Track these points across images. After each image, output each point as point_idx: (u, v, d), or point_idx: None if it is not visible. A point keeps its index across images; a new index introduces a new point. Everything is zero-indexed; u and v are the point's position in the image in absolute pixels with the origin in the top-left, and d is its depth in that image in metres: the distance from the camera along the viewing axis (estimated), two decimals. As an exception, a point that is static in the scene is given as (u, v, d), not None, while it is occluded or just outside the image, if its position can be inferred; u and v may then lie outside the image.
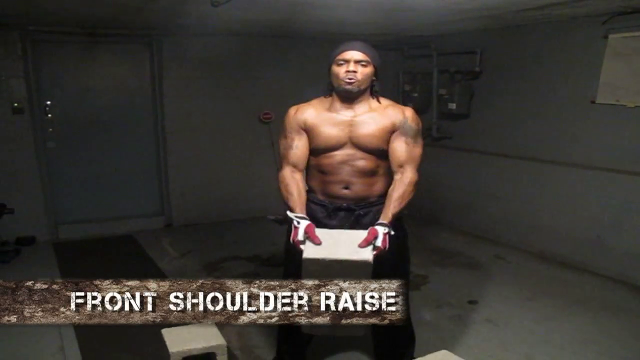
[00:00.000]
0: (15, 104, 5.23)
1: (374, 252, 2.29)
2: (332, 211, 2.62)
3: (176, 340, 2.61)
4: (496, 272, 4.76)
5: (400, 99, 6.38)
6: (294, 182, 2.58)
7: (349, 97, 2.53)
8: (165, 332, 2.70)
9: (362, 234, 2.36)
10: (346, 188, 2.59)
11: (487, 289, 4.34)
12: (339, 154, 2.56)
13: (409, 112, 2.59)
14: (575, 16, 4.51)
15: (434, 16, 4.53)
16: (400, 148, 2.54)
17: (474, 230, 5.91)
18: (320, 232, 2.38)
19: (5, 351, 3.26)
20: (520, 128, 5.34)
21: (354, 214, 2.61)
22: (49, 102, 5.55)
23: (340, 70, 2.48)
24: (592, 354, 3.29)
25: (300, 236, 2.36)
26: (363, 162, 2.56)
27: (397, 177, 2.55)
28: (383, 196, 2.60)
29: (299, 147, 2.61)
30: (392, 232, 2.40)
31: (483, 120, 5.74)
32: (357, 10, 4.19)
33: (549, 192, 5.08)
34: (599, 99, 4.55)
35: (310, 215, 2.56)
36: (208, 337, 2.65)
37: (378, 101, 2.61)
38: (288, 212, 2.49)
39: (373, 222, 2.51)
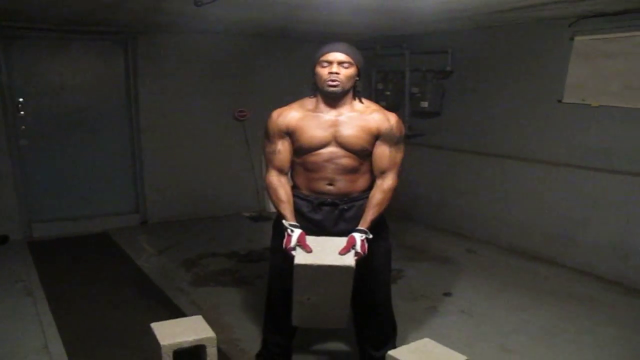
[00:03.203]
0: (-14, 102, 5.16)
1: (355, 258, 2.49)
2: (316, 206, 2.72)
3: (166, 333, 2.65)
4: (469, 265, 4.91)
5: (373, 97, 6.49)
6: (281, 187, 2.69)
7: (333, 98, 2.61)
8: (154, 326, 2.74)
9: (344, 241, 2.55)
10: (330, 184, 2.69)
11: (461, 282, 4.49)
12: (324, 153, 2.64)
13: (393, 119, 2.69)
14: (543, 18, 4.69)
15: (404, 16, 4.64)
16: (383, 155, 2.67)
17: (446, 226, 6.07)
18: (309, 240, 2.55)
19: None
20: (490, 126, 5.51)
21: (337, 208, 2.71)
22: (21, 99, 5.49)
23: (324, 72, 2.56)
24: (562, 342, 3.45)
25: (293, 244, 2.51)
26: (346, 160, 2.65)
27: (378, 182, 2.70)
28: (365, 191, 2.73)
29: (281, 152, 2.69)
30: (370, 236, 2.59)
31: (454, 118, 5.90)
32: (333, 11, 4.28)
33: (519, 188, 5.26)
34: (566, 99, 4.74)
35: (297, 210, 2.69)
36: (198, 330, 2.70)
37: (360, 101, 2.70)
38: (283, 221, 2.62)
39: (356, 216, 2.68)
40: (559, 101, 4.79)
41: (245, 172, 6.59)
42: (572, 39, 4.61)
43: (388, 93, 6.41)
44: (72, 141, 5.80)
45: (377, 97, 6.46)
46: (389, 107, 6.33)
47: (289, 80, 6.31)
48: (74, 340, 3.38)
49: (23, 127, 5.55)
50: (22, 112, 5.52)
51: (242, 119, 6.48)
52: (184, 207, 6.40)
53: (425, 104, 5.89)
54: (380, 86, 6.55)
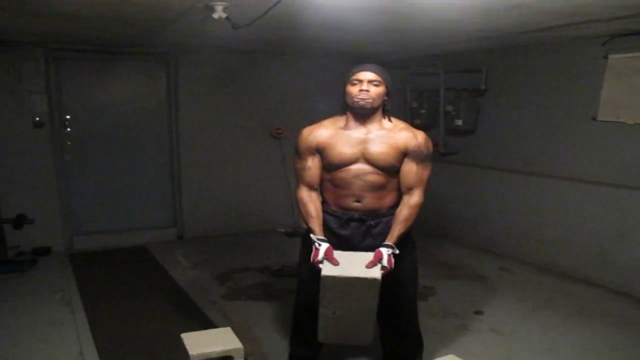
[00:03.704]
0: (37, 118, 5.41)
1: (382, 272, 2.55)
2: (344, 222, 2.78)
3: (195, 344, 2.73)
4: (501, 284, 4.86)
5: (408, 115, 6.52)
6: (311, 203, 2.77)
7: (363, 115, 2.69)
8: (184, 336, 2.83)
9: (371, 256, 2.61)
10: (357, 201, 2.75)
11: (493, 300, 4.45)
12: (352, 169, 2.72)
13: (421, 137, 2.75)
14: (577, 37, 4.66)
15: (437, 37, 4.70)
16: (410, 172, 2.72)
17: (479, 244, 6.02)
18: (337, 254, 2.62)
19: (25, 356, 3.38)
20: (524, 143, 5.48)
21: (365, 224, 2.77)
22: (68, 117, 5.73)
23: (355, 90, 2.65)
24: (594, 362, 3.40)
25: (320, 257, 2.58)
26: (374, 177, 2.72)
27: (404, 198, 2.74)
28: (392, 207, 2.78)
29: (312, 168, 2.78)
30: (397, 252, 2.63)
31: (488, 136, 5.88)
32: (365, 32, 4.37)
33: (553, 206, 5.20)
34: (600, 116, 4.69)
35: (325, 225, 2.77)
36: (226, 341, 2.78)
37: (389, 120, 2.77)
38: (311, 235, 2.70)
39: (383, 232, 2.73)
40: (594, 119, 4.74)
41: (280, 188, 6.68)
42: (606, 57, 4.58)
43: (423, 111, 6.43)
44: (114, 157, 6.01)
45: (412, 116, 6.49)
46: (423, 126, 6.42)
47: (323, 98, 6.40)
48: (108, 349, 3.49)
49: (69, 142, 5.78)
50: (68, 129, 5.75)
51: (278, 136, 6.59)
52: (220, 222, 6.52)
53: (459, 122, 5.90)
54: (415, 104, 6.58)
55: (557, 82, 5.08)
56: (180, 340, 2.82)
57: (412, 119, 6.37)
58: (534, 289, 4.74)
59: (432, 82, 6.40)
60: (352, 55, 5.90)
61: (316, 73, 6.60)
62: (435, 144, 6.12)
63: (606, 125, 4.66)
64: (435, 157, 6.20)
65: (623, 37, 4.39)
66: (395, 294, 2.82)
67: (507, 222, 5.70)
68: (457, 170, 6.28)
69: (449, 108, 6.03)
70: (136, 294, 4.53)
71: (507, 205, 5.70)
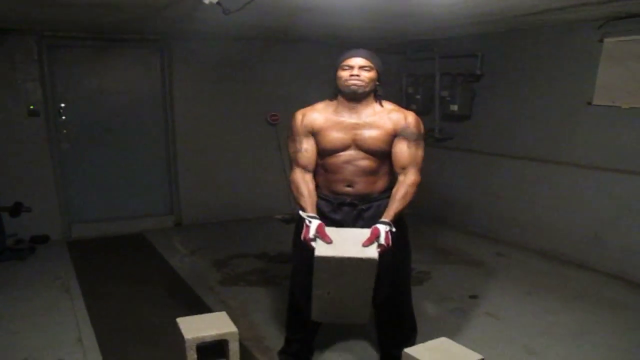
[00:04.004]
0: (31, 107, 5.40)
1: (379, 250, 2.48)
2: (336, 206, 2.79)
3: (191, 328, 2.75)
4: (497, 268, 4.89)
5: (404, 100, 6.52)
6: (304, 184, 2.75)
7: (354, 100, 2.68)
8: (180, 320, 2.85)
9: (366, 233, 2.54)
10: (349, 186, 2.75)
11: (488, 285, 4.48)
12: (343, 155, 2.72)
13: (411, 117, 2.73)
14: (572, 21, 4.66)
15: (433, 21, 4.68)
16: (402, 151, 2.70)
17: (477, 229, 6.05)
18: (329, 231, 2.56)
19: (25, 342, 3.41)
20: (519, 129, 5.49)
21: (356, 208, 2.77)
22: (63, 105, 5.72)
23: (346, 74, 2.64)
24: (588, 345, 3.42)
25: (312, 234, 2.54)
26: (366, 162, 2.72)
27: (400, 178, 2.72)
28: (384, 192, 2.78)
29: (307, 150, 2.77)
30: (394, 230, 2.58)
31: (484, 121, 5.89)
32: (361, 17, 4.35)
33: (549, 191, 5.22)
34: (596, 101, 4.70)
35: (317, 209, 2.75)
36: (221, 326, 2.80)
37: (381, 105, 2.76)
38: (300, 212, 2.68)
39: (375, 216, 2.72)
40: (589, 103, 4.74)
41: (277, 175, 6.69)
42: (601, 40, 4.57)
43: (418, 97, 6.43)
44: (110, 145, 6.01)
45: (408, 101, 6.49)
46: (419, 111, 6.41)
47: (319, 84, 6.39)
48: (107, 334, 3.52)
49: (64, 131, 5.77)
50: (63, 117, 5.75)
51: (274, 122, 6.59)
52: (217, 209, 6.54)
53: (455, 107, 5.90)
54: (410, 90, 6.57)
55: (552, 67, 5.07)
56: (176, 324, 2.84)
57: (408, 105, 6.37)
58: (529, 273, 4.77)
59: (427, 67, 6.40)
60: (347, 40, 5.87)
61: (312, 58, 6.58)
62: (430, 130, 6.19)
63: (601, 109, 4.67)
64: (431, 142, 6.28)
65: (618, 21, 4.37)
66: (388, 277, 2.82)
67: (503, 207, 5.72)
68: (453, 156, 6.29)
69: (445, 93, 6.03)
70: (134, 281, 4.56)
71: (503, 190, 5.72)
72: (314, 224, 2.57)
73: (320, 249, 2.46)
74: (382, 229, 2.55)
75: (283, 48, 6.47)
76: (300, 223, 2.74)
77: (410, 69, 6.70)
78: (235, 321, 2.94)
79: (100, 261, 5.12)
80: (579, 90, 4.82)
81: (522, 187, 5.50)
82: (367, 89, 2.66)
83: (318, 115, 2.76)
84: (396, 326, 3.00)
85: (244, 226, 6.37)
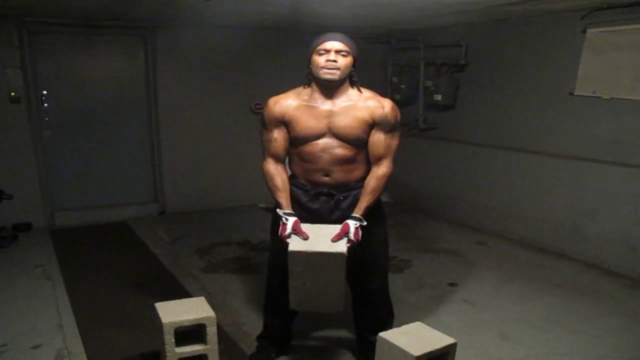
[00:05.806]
0: (12, 93, 5.36)
1: (348, 245, 2.57)
2: (313, 196, 2.78)
3: (168, 312, 2.76)
4: (477, 257, 4.94)
5: (389, 90, 6.54)
6: (278, 175, 2.77)
7: (329, 87, 2.64)
8: (158, 305, 2.86)
9: (338, 229, 2.62)
10: (326, 175, 2.73)
11: (467, 273, 4.53)
12: (319, 143, 2.68)
13: (388, 105, 2.68)
14: (555, 11, 4.69)
15: (416, 10, 4.69)
16: (379, 142, 2.69)
17: (458, 219, 6.10)
18: (305, 227, 2.63)
19: (4, 329, 3.40)
20: (502, 119, 5.52)
21: (334, 198, 2.77)
22: (45, 92, 5.68)
23: (321, 60, 2.58)
24: (563, 331, 3.48)
25: (288, 232, 2.60)
26: (342, 150, 2.68)
27: (373, 168, 2.73)
28: (362, 181, 2.77)
29: (278, 140, 2.75)
30: (365, 223, 2.64)
31: (467, 111, 5.92)
32: (345, 6, 4.35)
33: (529, 181, 5.27)
34: (577, 91, 4.73)
35: (294, 199, 2.77)
36: (199, 310, 2.81)
37: (359, 91, 2.71)
38: (277, 210, 2.71)
39: (352, 205, 2.73)
40: (571, 94, 4.78)
41: (260, 164, 6.67)
42: (584, 31, 4.60)
43: (403, 86, 6.45)
44: (93, 132, 5.97)
45: (392, 91, 6.51)
46: (403, 100, 6.41)
47: (303, 74, 6.39)
48: (87, 321, 3.53)
49: (46, 118, 5.73)
50: (45, 104, 5.70)
51: (258, 111, 6.57)
52: (201, 197, 6.54)
53: (438, 97, 5.92)
54: (395, 79, 6.59)
55: (536, 57, 5.10)
56: (154, 309, 2.86)
57: (392, 94, 6.39)
58: (508, 262, 4.83)
59: (412, 57, 6.41)
60: (331, 29, 5.87)
61: (296, 49, 6.54)
62: (414, 120, 6.22)
63: (583, 100, 4.71)
64: (415, 132, 6.31)
65: (602, 11, 4.41)
66: (366, 265, 2.85)
67: (486, 197, 5.77)
68: (436, 146, 6.31)
69: (429, 83, 6.05)
70: (116, 269, 4.56)
71: (485, 180, 5.76)
72: (290, 221, 2.62)
73: (294, 244, 2.56)
74: (352, 224, 2.61)
75: (267, 36, 6.45)
76: (276, 216, 2.76)
77: (395, 58, 6.70)
78: (215, 307, 2.95)
79: (83, 249, 5.11)
80: (562, 80, 4.85)
81: (504, 177, 5.54)
82: (343, 77, 2.61)
83: (291, 101, 2.72)
84: (373, 312, 3.03)
85: (228, 214, 6.38)
